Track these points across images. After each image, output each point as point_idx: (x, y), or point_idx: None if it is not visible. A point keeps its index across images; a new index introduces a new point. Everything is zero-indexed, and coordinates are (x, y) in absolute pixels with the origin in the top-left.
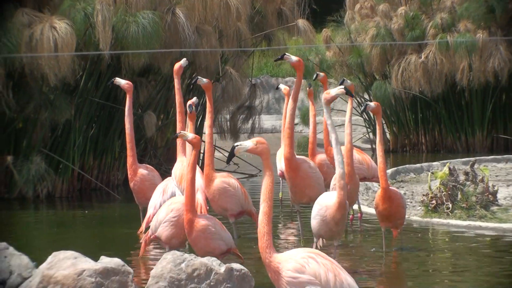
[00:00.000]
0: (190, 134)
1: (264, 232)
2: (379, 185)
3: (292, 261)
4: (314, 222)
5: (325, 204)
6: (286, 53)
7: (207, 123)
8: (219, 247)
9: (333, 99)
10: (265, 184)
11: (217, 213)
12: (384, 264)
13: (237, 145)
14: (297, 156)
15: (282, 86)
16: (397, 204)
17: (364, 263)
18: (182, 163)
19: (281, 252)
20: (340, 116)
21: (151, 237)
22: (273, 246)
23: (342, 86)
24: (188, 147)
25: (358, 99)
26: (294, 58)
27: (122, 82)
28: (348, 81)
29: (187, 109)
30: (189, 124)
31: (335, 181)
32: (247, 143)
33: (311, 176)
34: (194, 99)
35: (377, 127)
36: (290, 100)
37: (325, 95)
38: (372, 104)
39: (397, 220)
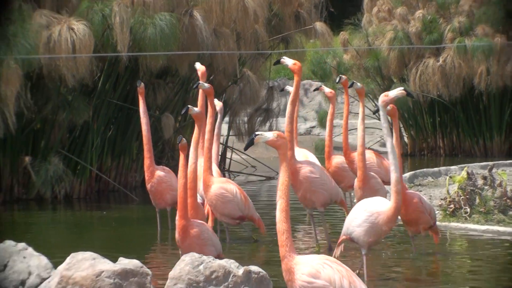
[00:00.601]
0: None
1: (284, 229)
2: None
3: (308, 265)
4: (360, 230)
5: (376, 210)
6: (284, 57)
7: (207, 128)
8: (211, 253)
9: (391, 101)
10: (281, 179)
11: (218, 219)
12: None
13: (257, 134)
14: (299, 160)
15: (290, 88)
16: (414, 209)
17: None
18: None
19: (300, 255)
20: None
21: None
22: (293, 246)
23: (402, 88)
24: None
25: (375, 102)
26: (290, 61)
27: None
28: (358, 83)
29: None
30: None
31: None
32: (268, 134)
33: (311, 181)
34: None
35: (394, 130)
36: (288, 104)
37: (384, 97)
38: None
39: (419, 225)
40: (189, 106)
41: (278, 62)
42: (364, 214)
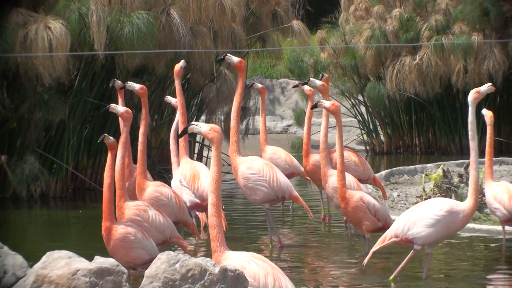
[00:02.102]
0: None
1: (215, 224)
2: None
3: (235, 261)
4: (432, 230)
5: (456, 209)
6: (228, 54)
7: (141, 130)
8: (139, 257)
9: (482, 96)
10: (212, 174)
11: None
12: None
13: (192, 124)
14: (240, 157)
15: (259, 85)
16: (353, 207)
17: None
18: (190, 164)
19: (232, 250)
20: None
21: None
22: (224, 241)
23: (490, 84)
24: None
25: (352, 100)
26: (235, 59)
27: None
28: (317, 81)
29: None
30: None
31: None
32: (203, 126)
33: (246, 177)
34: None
35: (337, 128)
36: (234, 100)
37: (475, 94)
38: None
39: (362, 224)
40: (129, 82)
41: (222, 59)
42: (440, 214)
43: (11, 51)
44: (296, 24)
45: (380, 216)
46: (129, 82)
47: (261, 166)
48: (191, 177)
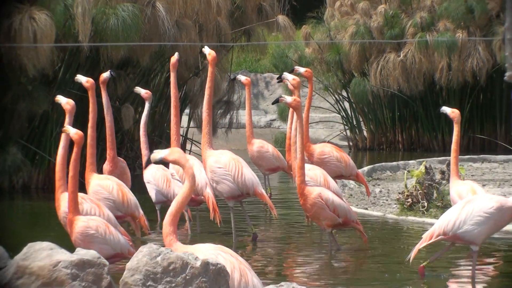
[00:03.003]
0: (72, 129)
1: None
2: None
3: (202, 254)
4: (483, 228)
5: (505, 206)
6: (205, 47)
7: (90, 124)
8: (101, 252)
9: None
10: (179, 197)
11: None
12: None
13: (154, 152)
14: (210, 150)
15: (242, 77)
16: (311, 204)
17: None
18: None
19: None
20: (318, 113)
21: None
22: (176, 233)
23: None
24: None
25: (336, 96)
26: (207, 50)
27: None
28: (288, 75)
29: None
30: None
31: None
32: (162, 152)
33: (214, 171)
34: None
35: (298, 124)
36: (205, 93)
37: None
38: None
39: (321, 221)
40: (57, 96)
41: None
42: (490, 211)
43: None
44: (282, 19)
45: (340, 212)
46: (78, 75)
47: (228, 161)
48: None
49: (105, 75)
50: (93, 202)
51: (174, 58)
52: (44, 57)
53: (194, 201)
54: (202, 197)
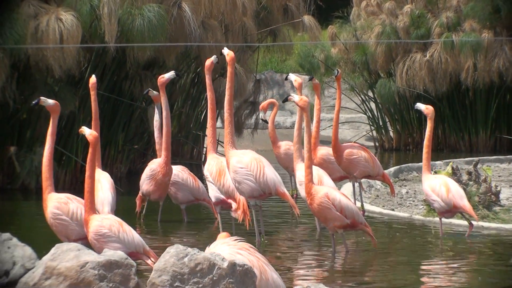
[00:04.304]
0: (87, 130)
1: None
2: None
3: (221, 250)
4: None
5: None
6: (224, 47)
7: (49, 131)
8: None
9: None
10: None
11: None
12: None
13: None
14: (233, 150)
15: (293, 77)
16: (318, 204)
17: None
18: (216, 159)
19: None
20: (344, 114)
21: None
22: None
23: None
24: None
25: (362, 96)
26: (226, 51)
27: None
28: (293, 76)
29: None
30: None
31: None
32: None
33: (236, 171)
34: None
35: (305, 123)
36: (226, 94)
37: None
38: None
39: (328, 222)
40: (41, 98)
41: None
42: None
43: (22, 43)
44: (307, 19)
45: (347, 213)
46: (42, 97)
47: (249, 161)
48: (217, 173)
49: (168, 75)
50: (80, 202)
51: (210, 60)
52: (71, 57)
53: (226, 203)
54: (231, 200)
